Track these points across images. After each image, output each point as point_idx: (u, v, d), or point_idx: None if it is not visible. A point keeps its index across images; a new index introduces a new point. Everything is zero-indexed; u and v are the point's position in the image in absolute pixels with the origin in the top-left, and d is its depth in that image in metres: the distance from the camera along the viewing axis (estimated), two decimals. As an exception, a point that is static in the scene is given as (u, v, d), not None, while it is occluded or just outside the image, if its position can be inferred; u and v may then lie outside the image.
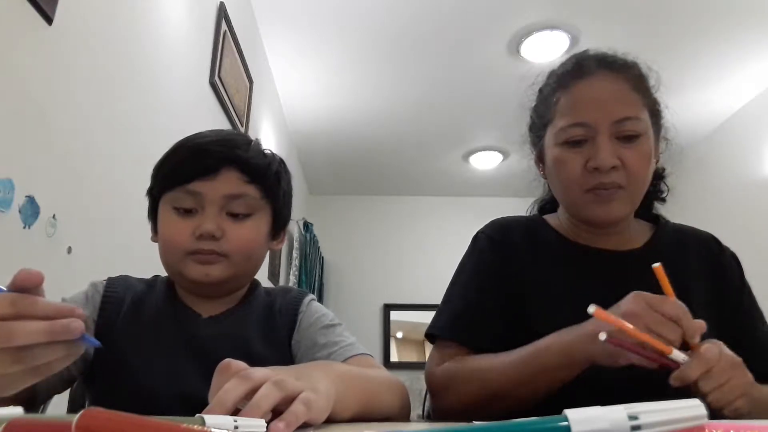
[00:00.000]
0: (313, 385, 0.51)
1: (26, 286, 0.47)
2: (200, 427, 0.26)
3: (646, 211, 0.95)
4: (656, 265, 0.63)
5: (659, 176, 0.97)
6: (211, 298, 0.84)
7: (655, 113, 0.88)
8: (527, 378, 0.73)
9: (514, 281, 0.88)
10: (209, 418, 0.38)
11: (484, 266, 0.91)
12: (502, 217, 0.99)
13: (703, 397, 0.59)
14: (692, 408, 0.28)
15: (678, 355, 0.61)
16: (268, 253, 0.91)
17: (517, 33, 2.93)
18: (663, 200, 0.99)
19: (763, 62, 3.15)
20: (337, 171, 4.84)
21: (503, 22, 2.86)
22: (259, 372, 0.48)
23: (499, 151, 4.37)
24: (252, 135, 2.89)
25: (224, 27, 2.32)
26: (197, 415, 0.39)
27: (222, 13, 2.30)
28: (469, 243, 0.96)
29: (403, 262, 5.14)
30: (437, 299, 0.93)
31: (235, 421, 0.39)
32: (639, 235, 0.92)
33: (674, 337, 0.61)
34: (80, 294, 0.82)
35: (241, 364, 0.49)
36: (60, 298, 0.79)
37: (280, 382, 0.47)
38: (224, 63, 2.32)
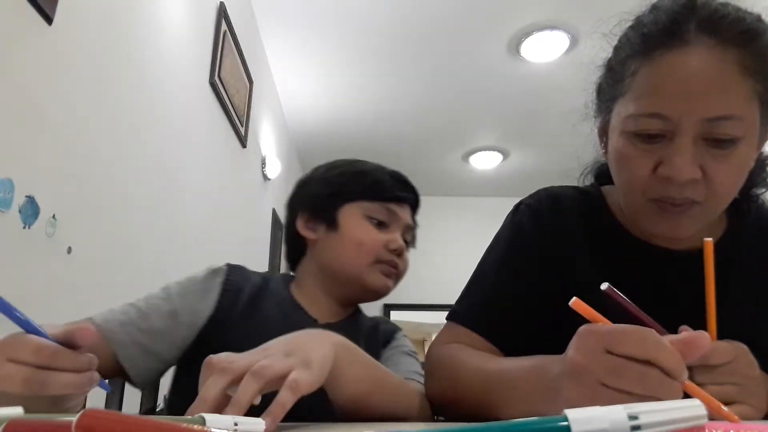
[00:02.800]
0: (306, 356, 0.52)
1: (76, 344, 0.53)
2: (200, 427, 0.26)
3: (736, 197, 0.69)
4: (707, 240, 0.53)
5: (762, 164, 0.73)
6: (335, 304, 0.92)
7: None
8: (488, 400, 0.60)
9: (556, 268, 0.73)
10: (209, 418, 0.38)
11: (521, 245, 0.76)
12: (551, 186, 0.81)
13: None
14: (692, 408, 0.28)
15: None
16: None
17: (517, 33, 2.93)
18: (767, 186, 0.76)
19: (763, 62, 3.15)
20: (337, 171, 4.84)
21: (503, 22, 2.86)
22: (241, 362, 0.49)
23: (499, 151, 4.36)
24: (252, 135, 2.89)
25: (224, 27, 2.32)
26: (198, 414, 0.39)
27: (222, 13, 2.31)
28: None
29: (403, 262, 5.13)
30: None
31: (235, 422, 0.39)
32: (715, 226, 0.73)
33: (649, 392, 0.42)
34: (197, 281, 0.84)
35: (222, 358, 0.50)
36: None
37: (260, 371, 0.47)
38: (224, 63, 2.33)
